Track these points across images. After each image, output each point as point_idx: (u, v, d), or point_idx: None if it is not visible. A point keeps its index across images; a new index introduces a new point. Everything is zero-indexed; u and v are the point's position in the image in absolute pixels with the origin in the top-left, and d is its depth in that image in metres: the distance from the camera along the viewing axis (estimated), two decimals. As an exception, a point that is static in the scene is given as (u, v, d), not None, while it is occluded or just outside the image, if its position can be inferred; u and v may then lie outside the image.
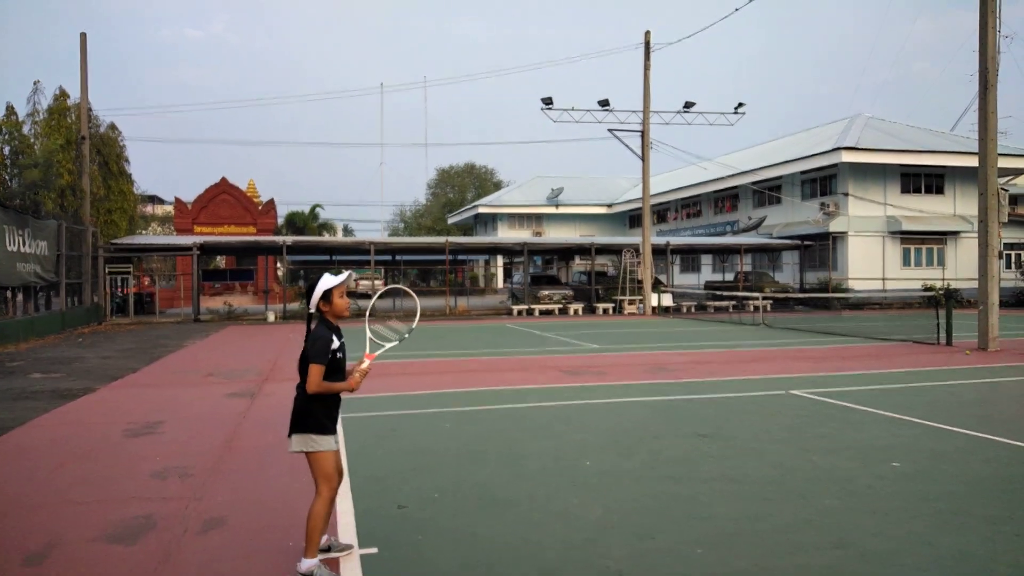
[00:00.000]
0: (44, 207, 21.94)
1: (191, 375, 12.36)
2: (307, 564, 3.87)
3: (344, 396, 4.18)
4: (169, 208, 53.39)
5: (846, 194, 33.79)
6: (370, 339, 4.22)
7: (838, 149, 32.57)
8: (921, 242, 34.53)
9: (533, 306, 29.89)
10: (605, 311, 30.29)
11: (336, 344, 3.99)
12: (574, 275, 39.27)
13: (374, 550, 4.33)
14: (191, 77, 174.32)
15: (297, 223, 52.97)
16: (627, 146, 30.96)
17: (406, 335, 4.36)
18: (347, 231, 76.08)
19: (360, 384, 4.05)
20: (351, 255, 36.11)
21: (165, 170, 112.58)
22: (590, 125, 31.81)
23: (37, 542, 4.51)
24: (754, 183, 38.93)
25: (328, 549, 4.19)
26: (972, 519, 4.76)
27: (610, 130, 30.90)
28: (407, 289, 4.93)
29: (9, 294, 19.64)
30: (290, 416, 4.03)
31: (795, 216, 36.91)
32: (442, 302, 31.83)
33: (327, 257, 37.81)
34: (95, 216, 26.52)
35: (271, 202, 42.71)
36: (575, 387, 10.48)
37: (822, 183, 35.84)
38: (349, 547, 4.30)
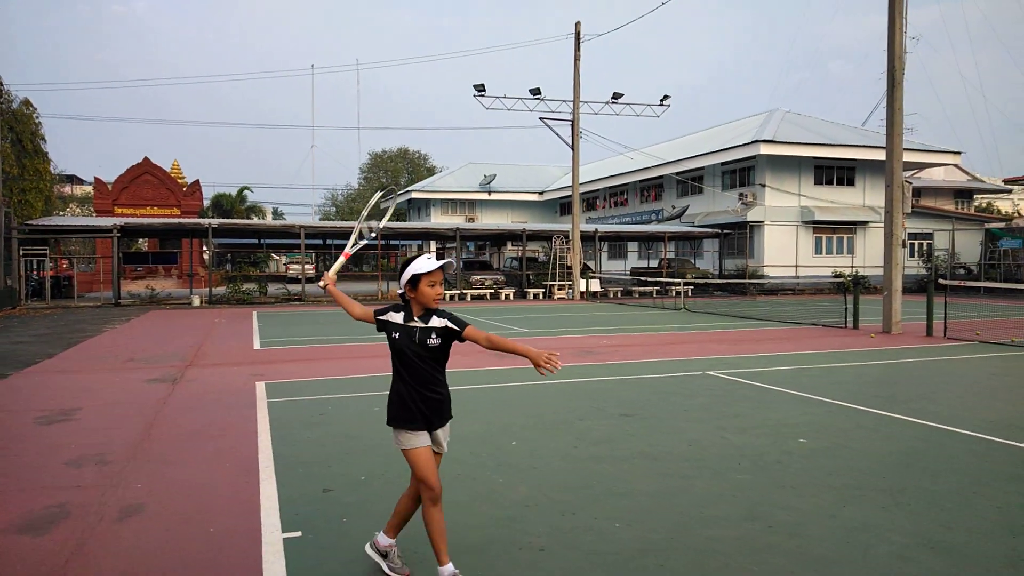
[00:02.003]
0: (-52, 186, 20.63)
1: (110, 361, 11.91)
2: (381, 541, 3.81)
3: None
4: (89, 189, 50.89)
5: (763, 185, 35.06)
6: (354, 241, 4.26)
7: (756, 142, 33.71)
8: (832, 231, 36.16)
9: (465, 291, 29.94)
10: (535, 296, 30.60)
11: (398, 319, 3.65)
12: (506, 261, 39.56)
13: (297, 533, 4.32)
14: (114, 55, 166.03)
15: (224, 205, 51.38)
16: (557, 135, 31.24)
17: (373, 234, 4.32)
18: (277, 215, 74.16)
19: (328, 278, 4.03)
20: (281, 239, 35.35)
21: (85, 149, 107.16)
22: (522, 113, 32.04)
23: (-60, 535, 4.31)
24: (678, 173, 39.93)
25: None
26: (872, 491, 5.09)
27: (541, 118, 31.11)
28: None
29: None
30: None
31: (716, 206, 38.08)
32: (374, 287, 31.51)
33: (255, 241, 36.89)
34: (8, 196, 25.17)
35: (196, 183, 41.23)
36: (504, 370, 10.60)
37: (741, 174, 37.06)
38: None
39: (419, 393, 3.58)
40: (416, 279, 3.55)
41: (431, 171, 73.77)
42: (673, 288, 27.51)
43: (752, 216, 34.73)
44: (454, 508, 4.78)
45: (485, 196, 55.98)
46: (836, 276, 32.05)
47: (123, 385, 9.49)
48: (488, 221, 52.93)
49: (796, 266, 34.91)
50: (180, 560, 3.98)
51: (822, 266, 34.75)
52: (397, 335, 3.61)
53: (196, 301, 26.75)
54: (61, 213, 41.64)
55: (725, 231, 35.89)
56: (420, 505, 3.66)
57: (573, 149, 30.82)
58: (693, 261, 38.31)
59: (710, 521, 4.53)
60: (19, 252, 24.96)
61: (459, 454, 6.08)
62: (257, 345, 14.10)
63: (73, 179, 56.45)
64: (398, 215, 65.36)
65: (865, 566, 3.87)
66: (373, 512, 4.69)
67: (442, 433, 3.68)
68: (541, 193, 56.45)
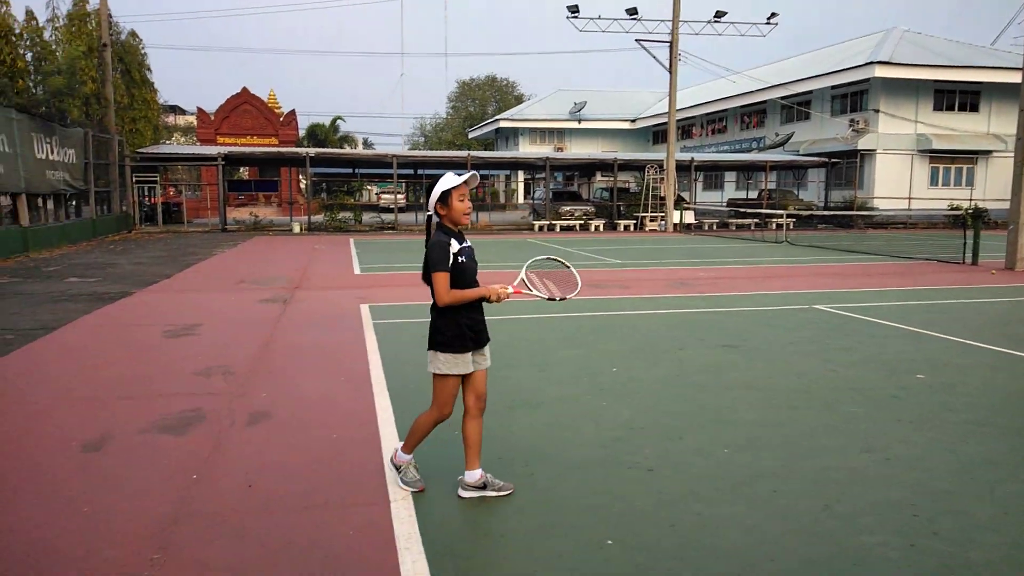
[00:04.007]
0: (69, 115, 21.84)
1: (223, 281, 12.60)
2: (401, 457, 3.94)
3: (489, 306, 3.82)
4: (191, 119, 52.99)
5: (877, 111, 32.80)
6: (523, 279, 3.89)
7: (871, 63, 31.38)
8: (951, 161, 33.68)
9: (554, 222, 29.80)
10: (626, 228, 30.15)
11: (456, 247, 3.62)
12: (596, 191, 38.89)
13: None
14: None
15: (318, 135, 52.43)
16: (655, 57, 30.04)
17: (558, 298, 3.96)
18: (367, 144, 75.26)
19: (499, 298, 3.63)
20: (374, 168, 35.91)
21: (184, 79, 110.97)
22: (616, 36, 30.89)
23: (92, 431, 4.74)
24: (783, 98, 37.82)
25: (484, 487, 3.79)
26: (996, 429, 4.86)
27: (637, 40, 29.91)
28: (566, 264, 4.36)
29: (40, 201, 19.93)
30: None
31: (823, 133, 35.99)
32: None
33: (350, 170, 37.66)
34: (120, 125, 26.44)
35: (292, 113, 42.16)
36: (600, 299, 10.58)
37: (853, 99, 34.75)
38: (509, 488, 3.85)
39: (471, 316, 3.71)
40: (447, 195, 3.60)
41: (519, 99, 72.67)
42: (773, 220, 26.50)
43: (863, 144, 32.66)
44: (559, 427, 4.88)
45: (575, 124, 54.86)
46: (953, 209, 30.06)
47: (238, 304, 10.03)
48: (578, 150, 52.05)
49: (909, 198, 32.85)
50: (307, 461, 4.24)
51: (937, 198, 32.50)
52: (464, 258, 3.65)
53: (296, 228, 27.88)
54: (167, 142, 43.61)
55: (833, 160, 33.99)
56: (435, 423, 3.85)
57: (671, 73, 29.63)
58: (796, 192, 36.61)
59: (822, 451, 4.44)
60: (132, 179, 26.42)
61: (560, 377, 6.16)
62: (357, 270, 14.58)
63: (176, 109, 58.71)
64: (485, 145, 65.17)
65: (993, 503, 3.72)
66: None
67: (487, 349, 3.86)
68: (633, 121, 54.85)
